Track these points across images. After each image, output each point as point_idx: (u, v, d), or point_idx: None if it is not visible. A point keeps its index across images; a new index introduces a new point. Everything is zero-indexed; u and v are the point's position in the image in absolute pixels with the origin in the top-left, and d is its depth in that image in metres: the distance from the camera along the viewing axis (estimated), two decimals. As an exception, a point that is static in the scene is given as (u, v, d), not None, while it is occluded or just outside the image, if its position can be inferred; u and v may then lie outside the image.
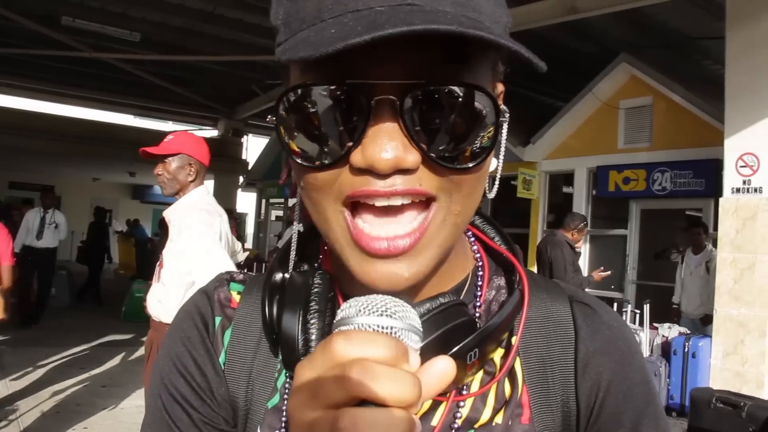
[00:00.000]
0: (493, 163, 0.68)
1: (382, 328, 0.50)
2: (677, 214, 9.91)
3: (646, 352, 7.25)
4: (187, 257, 3.33)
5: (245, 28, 11.11)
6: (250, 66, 13.26)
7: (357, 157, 0.56)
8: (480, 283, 0.75)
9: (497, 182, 0.71)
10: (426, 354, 0.54)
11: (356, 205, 0.59)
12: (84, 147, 15.65)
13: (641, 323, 7.55)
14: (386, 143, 0.55)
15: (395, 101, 0.55)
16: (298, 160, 0.59)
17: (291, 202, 16.92)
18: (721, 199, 7.25)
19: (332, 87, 0.56)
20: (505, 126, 0.65)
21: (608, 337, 0.73)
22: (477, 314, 0.72)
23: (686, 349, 6.96)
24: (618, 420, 0.71)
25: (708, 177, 8.93)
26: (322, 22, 0.55)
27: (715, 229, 7.41)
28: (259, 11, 10.35)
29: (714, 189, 8.53)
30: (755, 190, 6.97)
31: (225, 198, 16.45)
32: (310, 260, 0.78)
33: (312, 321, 0.64)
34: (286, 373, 0.72)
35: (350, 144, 0.56)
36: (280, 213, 18.77)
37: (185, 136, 3.69)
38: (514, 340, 0.71)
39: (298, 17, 0.58)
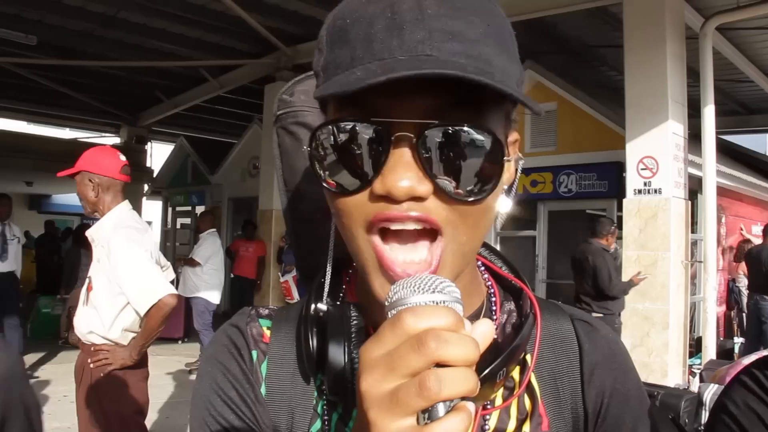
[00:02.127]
0: (508, 203, 0.77)
1: (436, 302, 0.56)
2: (583, 214, 10.32)
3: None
4: (120, 278, 3.22)
5: (149, 32, 10.83)
6: (153, 71, 12.92)
7: (378, 185, 0.64)
8: (494, 308, 0.84)
9: (503, 218, 0.80)
10: None
11: (383, 233, 0.66)
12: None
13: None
14: (403, 173, 0.63)
15: (411, 137, 0.63)
16: (329, 187, 0.68)
17: (199, 210, 16.59)
18: (624, 200, 7.63)
19: (360, 123, 0.65)
20: (520, 170, 0.78)
21: (608, 350, 0.84)
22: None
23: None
24: (620, 422, 0.82)
25: (611, 179, 9.35)
26: (353, 68, 0.64)
27: (620, 228, 7.78)
28: (163, 16, 10.12)
29: (617, 190, 8.95)
30: (655, 191, 7.37)
31: (129, 207, 15.90)
32: (334, 293, 0.84)
33: (356, 352, 0.71)
34: (324, 400, 0.78)
35: (373, 173, 0.64)
36: (187, 221, 18.34)
37: (88, 153, 3.52)
38: (528, 357, 0.79)
39: (335, 64, 0.67)
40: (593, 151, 9.48)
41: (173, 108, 15.19)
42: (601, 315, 6.88)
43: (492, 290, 0.85)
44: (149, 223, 7.42)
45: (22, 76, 13.07)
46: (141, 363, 3.35)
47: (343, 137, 0.66)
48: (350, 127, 0.65)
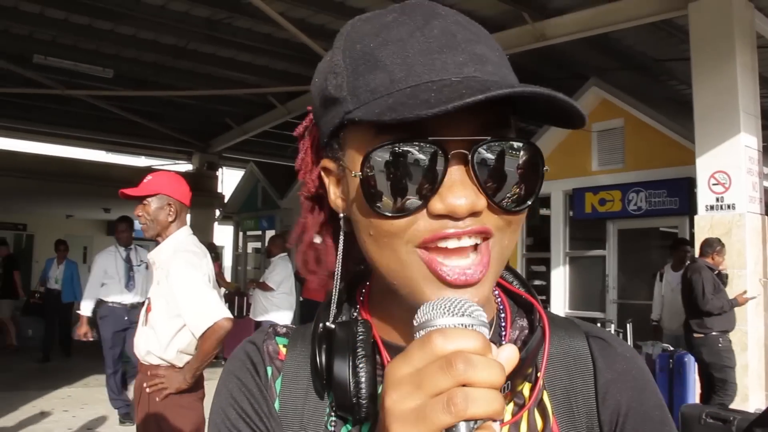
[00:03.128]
0: None
1: (464, 325, 0.58)
2: (654, 232, 10.05)
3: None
4: (177, 300, 3.30)
5: (218, 62, 11.17)
6: (223, 100, 13.30)
7: (436, 205, 0.65)
8: (504, 324, 0.83)
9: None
10: None
11: (428, 249, 0.68)
12: (57, 184, 15.48)
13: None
14: (461, 191, 0.65)
15: (467, 155, 0.65)
16: (383, 211, 0.68)
17: (269, 234, 16.88)
18: (696, 217, 7.40)
19: (418, 144, 0.65)
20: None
21: (623, 367, 0.82)
22: None
23: (671, 366, 7.02)
24: None
25: (682, 195, 9.10)
26: (398, 91, 0.66)
27: (692, 246, 7.54)
28: (231, 45, 10.42)
29: (688, 207, 8.70)
30: (728, 206, 7.13)
31: (202, 232, 16.33)
32: (348, 312, 0.86)
33: (360, 365, 0.72)
34: (334, 415, 0.79)
35: (430, 193, 0.65)
36: (258, 245, 18.67)
37: (164, 176, 3.64)
38: (539, 374, 0.79)
39: (368, 89, 0.68)
40: (663, 167, 9.25)
41: (243, 134, 15.57)
42: (702, 335, 6.70)
43: (502, 306, 0.85)
44: (221, 247, 7.60)
45: (101, 108, 13.65)
46: (197, 384, 3.40)
47: (399, 159, 0.66)
48: (406, 148, 0.65)
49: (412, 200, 0.66)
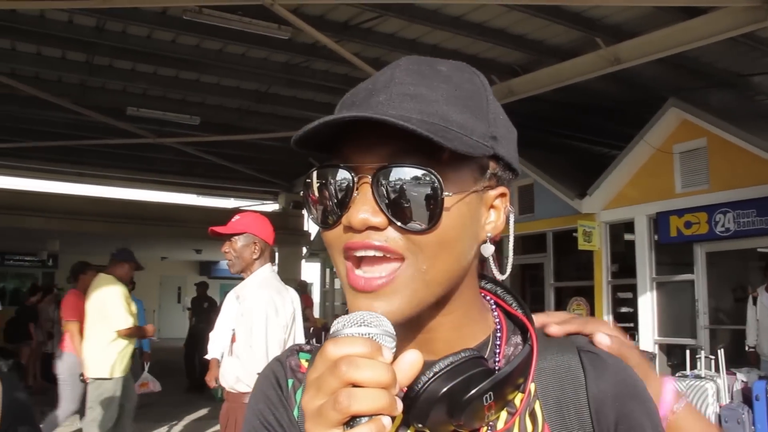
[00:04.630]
0: (489, 249, 0.87)
1: (362, 334, 0.67)
2: (744, 254, 9.67)
3: (725, 399, 7.01)
4: (254, 334, 3.49)
5: (299, 104, 11.55)
6: (305, 139, 13.65)
7: (345, 219, 0.78)
8: (499, 342, 0.90)
9: (509, 264, 0.90)
10: (449, 397, 0.76)
11: (356, 262, 0.79)
12: (152, 228, 16.27)
13: (717, 369, 7.33)
14: (360, 207, 0.76)
15: (368, 178, 0.77)
16: (316, 223, 0.83)
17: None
18: (787, 237, 7.10)
19: (332, 168, 0.80)
20: (512, 219, 0.89)
21: (613, 378, 0.86)
22: (497, 367, 0.87)
23: (768, 394, 6.70)
24: None
25: (772, 214, 8.75)
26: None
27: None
28: (310, 87, 10.78)
29: (780, 226, 8.36)
30: (821, 224, 6.82)
31: (289, 269, 16.73)
32: None
33: None
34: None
35: (341, 209, 0.79)
36: (344, 281, 18.86)
37: (251, 217, 3.92)
38: (532, 386, 0.86)
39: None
40: (750, 186, 8.91)
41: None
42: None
43: (499, 326, 0.92)
44: (310, 284, 7.82)
45: (189, 154, 14.30)
46: None
47: (322, 181, 0.81)
48: (328, 171, 0.80)
49: (333, 216, 0.80)
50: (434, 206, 0.76)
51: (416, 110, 0.77)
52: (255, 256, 3.77)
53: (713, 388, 6.85)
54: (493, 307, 0.96)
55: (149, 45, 9.27)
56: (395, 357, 0.68)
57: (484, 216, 0.85)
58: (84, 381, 5.99)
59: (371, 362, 0.62)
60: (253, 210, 17.14)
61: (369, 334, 0.67)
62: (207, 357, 7.37)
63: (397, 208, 0.76)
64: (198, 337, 12.04)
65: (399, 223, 0.76)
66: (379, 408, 0.61)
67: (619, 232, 11.24)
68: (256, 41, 8.99)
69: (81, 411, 6.88)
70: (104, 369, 5.80)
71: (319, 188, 0.81)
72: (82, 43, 9.17)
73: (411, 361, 0.67)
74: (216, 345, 7.51)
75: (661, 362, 9.99)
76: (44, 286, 15.30)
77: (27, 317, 12.94)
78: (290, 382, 0.94)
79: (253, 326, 3.50)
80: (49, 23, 8.67)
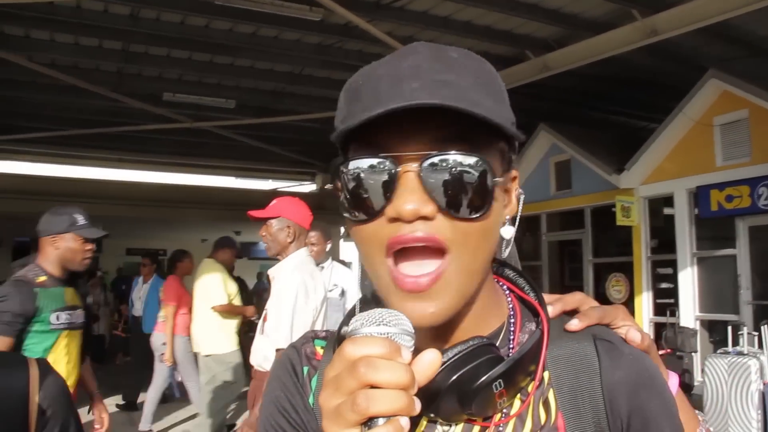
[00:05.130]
0: (509, 231, 0.87)
1: (381, 334, 0.67)
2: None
3: (768, 376, 6.91)
4: (281, 314, 3.56)
5: (333, 84, 11.55)
6: (340, 120, 13.67)
7: (390, 210, 0.76)
8: (513, 328, 0.90)
9: (511, 244, 0.90)
10: (458, 386, 0.76)
11: (397, 257, 0.77)
12: (191, 211, 16.49)
13: (760, 345, 7.22)
14: (409, 197, 0.74)
15: (415, 167, 0.75)
16: (351, 217, 0.80)
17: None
18: (832, 209, 6.94)
19: (371, 159, 0.77)
20: (521, 200, 0.90)
21: (628, 366, 0.85)
22: (511, 354, 0.86)
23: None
24: None
25: (817, 185, 8.54)
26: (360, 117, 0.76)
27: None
28: (344, 68, 10.76)
29: (824, 198, 8.16)
30: None
31: (332, 248, 16.77)
32: None
33: None
34: None
35: (385, 200, 0.76)
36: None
37: (286, 201, 4.00)
38: (546, 374, 0.86)
39: (351, 116, 0.78)
40: (794, 158, 8.72)
41: (361, 152, 15.91)
42: None
43: (513, 312, 0.92)
44: (349, 263, 7.96)
45: (226, 137, 14.42)
46: None
47: (359, 172, 0.78)
48: (365, 163, 0.77)
49: (372, 208, 0.77)
50: (486, 193, 0.77)
51: (453, 97, 0.75)
52: (289, 240, 3.84)
53: (756, 365, 6.75)
54: (507, 292, 0.95)
55: (183, 31, 9.34)
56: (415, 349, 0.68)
57: (505, 199, 0.86)
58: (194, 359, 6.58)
59: (390, 363, 0.62)
60: (291, 191, 17.32)
61: (388, 333, 0.67)
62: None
63: (448, 196, 0.75)
64: None
65: (451, 212, 0.75)
66: (398, 409, 0.61)
67: (659, 206, 11.08)
68: (289, 23, 9.00)
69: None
70: (214, 345, 6.24)
71: (355, 179, 0.78)
72: (117, 32, 9.28)
73: (429, 361, 0.67)
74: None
75: (703, 339, 9.87)
76: (89, 270, 15.57)
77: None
78: (305, 369, 0.94)
79: (281, 307, 3.57)
80: (85, 13, 8.80)
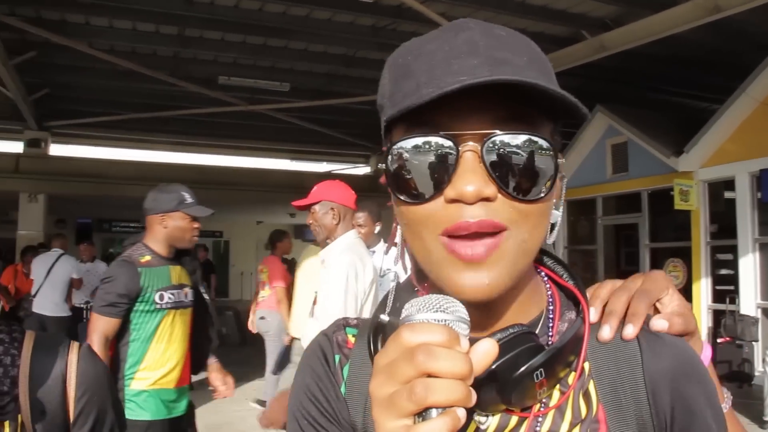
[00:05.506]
0: (555, 215, 0.83)
1: (438, 321, 0.65)
2: None
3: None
4: (331, 297, 3.58)
5: (386, 67, 11.53)
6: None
7: (450, 191, 0.73)
8: (552, 316, 0.87)
9: (557, 228, 0.85)
10: (497, 375, 0.74)
11: (449, 236, 0.75)
12: (248, 193, 16.72)
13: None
14: (470, 178, 0.72)
15: (476, 146, 0.73)
16: (404, 198, 0.77)
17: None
18: None
19: (432, 137, 0.74)
20: (564, 184, 0.85)
21: (672, 359, 0.82)
22: (550, 343, 0.83)
23: None
24: None
25: None
26: (420, 92, 0.72)
27: None
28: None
29: None
30: None
31: (383, 231, 16.81)
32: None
33: None
34: None
35: (445, 181, 0.73)
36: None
37: (325, 184, 3.98)
38: (587, 365, 0.83)
39: (402, 93, 0.76)
40: None
41: (415, 135, 15.88)
42: None
43: (552, 299, 0.89)
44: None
45: (281, 120, 14.56)
46: None
47: (416, 152, 0.74)
48: (423, 142, 0.74)
49: (429, 189, 0.74)
50: (550, 173, 0.75)
51: (511, 74, 0.71)
52: (335, 222, 3.84)
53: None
54: (545, 279, 0.92)
55: (237, 15, 9.44)
56: None
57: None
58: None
59: (449, 352, 0.60)
60: (345, 174, 17.43)
61: (445, 320, 0.65)
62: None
63: (509, 177, 0.73)
64: None
65: (514, 193, 0.73)
66: (456, 400, 0.59)
67: (719, 190, 10.78)
68: (342, 5, 9.03)
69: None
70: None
71: (408, 160, 0.75)
72: (173, 17, 9.45)
73: (486, 351, 0.65)
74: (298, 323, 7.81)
75: (764, 327, 9.60)
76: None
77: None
78: (337, 357, 0.92)
79: (331, 290, 3.58)
80: (142, -1, 9.00)
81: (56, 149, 15.74)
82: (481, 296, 0.74)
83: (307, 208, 3.92)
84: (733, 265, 10.31)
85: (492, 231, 0.73)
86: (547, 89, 0.69)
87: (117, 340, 3.32)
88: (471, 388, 0.61)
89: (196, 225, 3.57)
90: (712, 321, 10.44)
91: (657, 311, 0.90)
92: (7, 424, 1.28)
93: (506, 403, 0.77)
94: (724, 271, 10.66)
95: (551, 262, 0.94)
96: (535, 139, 0.74)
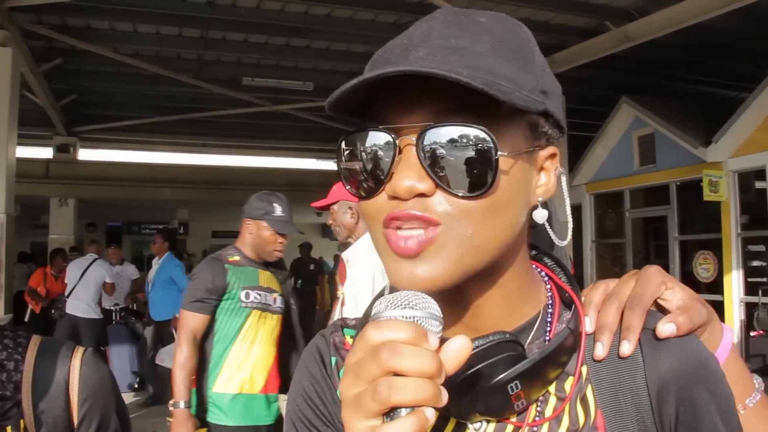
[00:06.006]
0: (543, 214, 0.78)
1: (406, 317, 0.62)
2: None
3: None
4: (360, 299, 3.57)
5: (408, 63, 11.52)
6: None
7: (389, 187, 0.71)
8: (550, 319, 0.83)
9: (569, 228, 0.83)
10: (469, 382, 0.70)
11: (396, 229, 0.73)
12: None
13: None
14: (405, 173, 0.70)
15: (412, 140, 0.70)
16: (354, 193, 0.76)
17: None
18: None
19: (370, 131, 0.72)
20: (564, 180, 0.81)
21: (676, 358, 0.77)
22: (546, 344, 0.79)
23: None
24: None
25: None
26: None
27: None
28: (419, 46, 10.72)
29: None
30: None
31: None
32: None
33: None
34: None
35: (384, 176, 0.72)
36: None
37: (341, 184, 3.95)
38: (584, 369, 0.79)
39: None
40: None
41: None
42: None
43: (551, 301, 0.85)
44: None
45: (306, 119, 14.61)
46: None
47: (357, 146, 0.74)
48: (364, 136, 0.73)
49: (373, 183, 0.73)
50: (489, 168, 0.70)
51: (461, 64, 0.69)
52: (354, 220, 3.80)
53: None
54: (546, 279, 0.88)
55: (259, 15, 9.48)
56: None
57: (534, 179, 0.78)
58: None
59: (415, 349, 0.57)
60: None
61: (414, 317, 0.62)
62: None
63: (446, 171, 0.69)
64: (306, 302, 12.11)
65: (449, 189, 0.70)
66: (422, 399, 0.56)
67: (749, 180, 10.58)
68: (363, 3, 9.02)
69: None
70: None
71: (354, 155, 0.74)
72: (196, 19, 9.53)
73: (458, 348, 0.62)
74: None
75: (797, 319, 9.44)
76: (177, 253, 16.11)
77: (162, 282, 13.68)
78: (333, 359, 0.90)
79: (358, 291, 3.57)
80: (164, 3, 9.08)
81: (85, 154, 15.98)
82: (418, 287, 0.69)
83: (327, 208, 3.91)
84: (766, 256, 10.13)
85: (424, 226, 0.70)
86: (446, 77, 0.64)
87: (203, 340, 3.34)
88: (442, 387, 0.58)
89: (281, 240, 3.57)
90: (745, 314, 10.27)
91: (660, 308, 0.84)
92: (9, 429, 1.28)
93: (480, 413, 0.74)
94: (756, 263, 10.47)
95: (551, 263, 0.90)
96: (470, 130, 0.69)
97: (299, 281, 12.77)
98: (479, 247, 0.72)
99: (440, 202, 0.70)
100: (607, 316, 0.82)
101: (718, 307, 10.67)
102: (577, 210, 12.58)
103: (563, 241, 0.83)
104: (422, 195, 0.70)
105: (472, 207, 0.71)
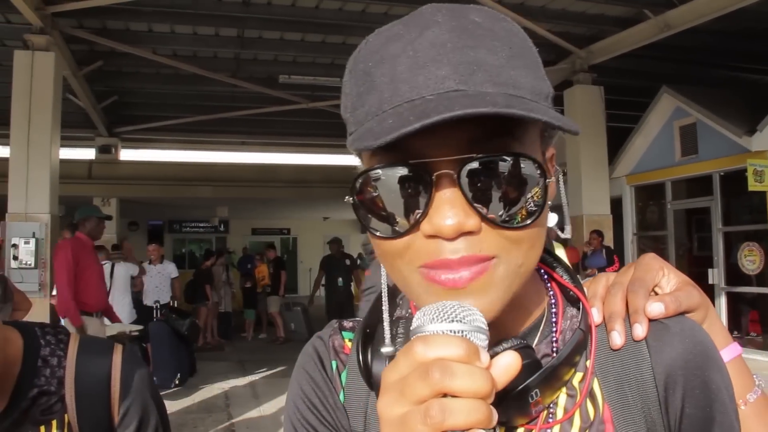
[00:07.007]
0: (554, 218, 0.77)
1: (453, 332, 0.58)
2: None
3: None
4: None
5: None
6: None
7: (426, 226, 0.65)
8: (554, 319, 0.81)
9: (567, 225, 0.81)
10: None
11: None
12: (313, 190, 16.93)
13: None
14: (448, 211, 0.64)
15: (452, 174, 0.64)
16: (377, 233, 0.69)
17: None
18: None
19: (398, 167, 0.66)
20: (562, 183, 0.78)
21: (680, 347, 0.76)
22: (554, 348, 0.79)
23: None
24: (701, 426, 0.75)
25: None
26: (383, 113, 0.65)
27: None
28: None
29: None
30: None
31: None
32: (406, 306, 0.89)
33: None
34: None
35: (419, 215, 0.65)
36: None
37: None
38: (588, 363, 0.78)
39: (363, 110, 0.68)
40: None
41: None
42: None
43: (554, 300, 0.83)
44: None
45: (341, 116, 14.64)
46: None
47: (383, 183, 0.67)
48: (390, 172, 0.66)
49: (403, 222, 0.67)
50: (540, 195, 0.67)
51: (489, 82, 0.64)
52: None
53: None
54: (546, 277, 0.86)
55: (294, 13, 9.54)
56: None
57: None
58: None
59: (468, 368, 0.53)
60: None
61: (461, 331, 0.58)
62: None
63: (493, 204, 0.65)
64: (343, 299, 12.41)
65: (499, 223, 0.65)
66: (476, 422, 0.52)
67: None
68: (397, -1, 9.02)
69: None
70: None
71: (380, 191, 0.68)
72: (232, 19, 9.63)
73: (508, 365, 0.58)
74: None
75: None
76: (217, 250, 16.37)
77: (203, 279, 13.85)
78: (334, 363, 0.87)
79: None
80: (200, 4, 9.19)
81: (126, 154, 16.24)
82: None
83: None
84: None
85: (478, 262, 0.66)
86: (524, 117, 0.60)
87: None
88: (492, 408, 0.54)
89: None
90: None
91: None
92: (54, 423, 1.31)
93: (500, 423, 0.70)
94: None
95: (550, 260, 0.88)
96: (519, 158, 0.65)
97: (339, 279, 12.68)
98: (526, 273, 0.70)
99: (492, 238, 0.66)
100: (615, 304, 0.81)
101: (765, 301, 10.44)
102: (617, 202, 12.40)
103: (567, 234, 0.83)
104: (469, 233, 0.65)
105: (524, 236, 0.68)
